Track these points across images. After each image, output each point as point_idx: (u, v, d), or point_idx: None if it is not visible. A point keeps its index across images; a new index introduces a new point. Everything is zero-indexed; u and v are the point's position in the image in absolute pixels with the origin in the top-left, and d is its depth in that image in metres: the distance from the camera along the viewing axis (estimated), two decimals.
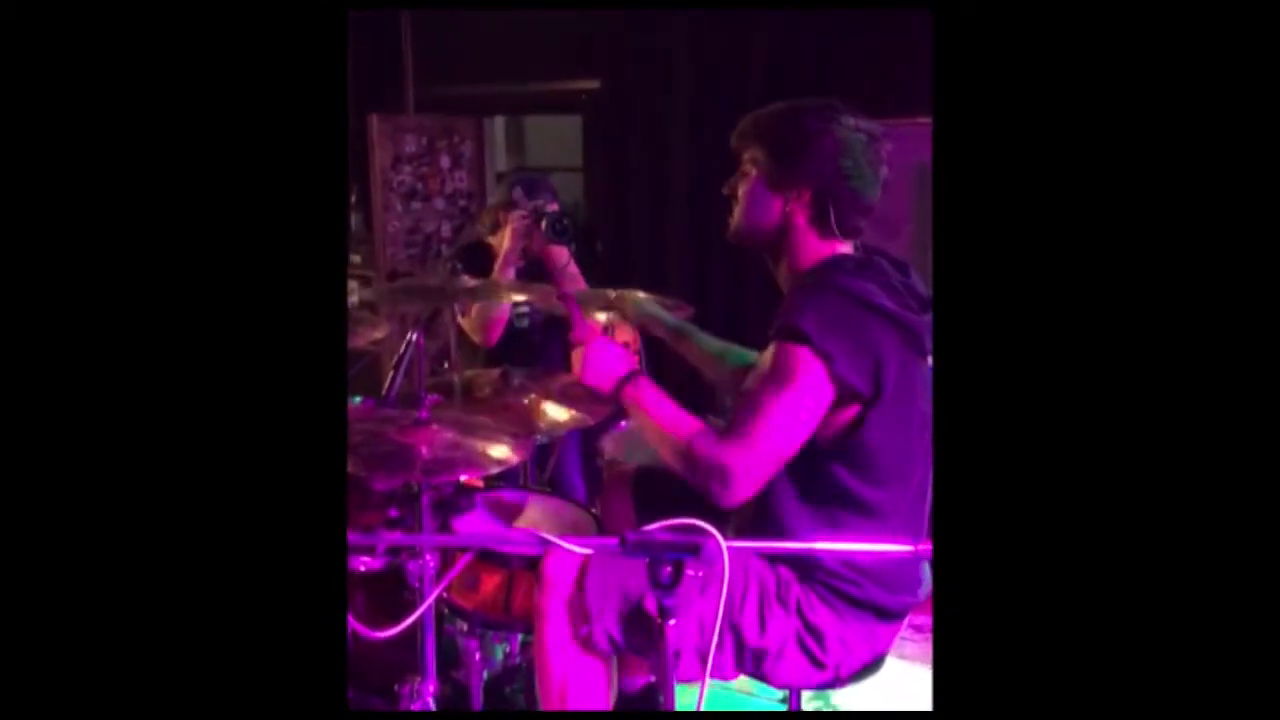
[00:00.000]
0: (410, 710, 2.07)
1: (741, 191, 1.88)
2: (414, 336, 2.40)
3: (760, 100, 1.94)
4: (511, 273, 2.90)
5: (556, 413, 2.36)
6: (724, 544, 1.34)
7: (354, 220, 4.95)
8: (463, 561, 2.05)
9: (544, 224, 2.72)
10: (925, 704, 2.67)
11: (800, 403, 1.70)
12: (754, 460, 1.70)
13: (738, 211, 1.90)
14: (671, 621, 1.36)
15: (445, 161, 4.88)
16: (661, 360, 2.74)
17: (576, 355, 1.94)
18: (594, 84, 4.48)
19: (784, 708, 2.67)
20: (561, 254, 2.86)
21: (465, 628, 2.18)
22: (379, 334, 2.37)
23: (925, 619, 1.34)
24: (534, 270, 2.99)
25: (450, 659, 2.29)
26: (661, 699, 1.40)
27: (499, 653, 2.27)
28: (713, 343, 2.25)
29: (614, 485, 2.30)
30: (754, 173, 1.86)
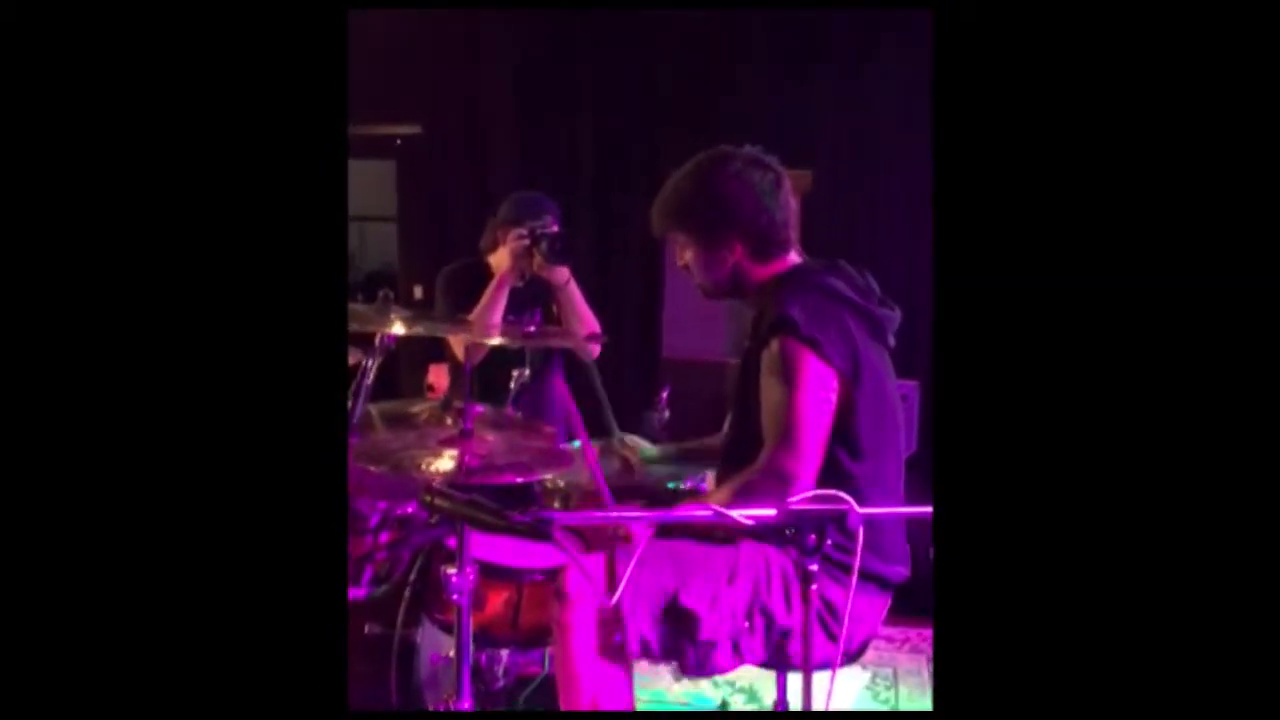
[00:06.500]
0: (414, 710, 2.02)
1: (690, 262, 2.15)
2: (368, 363, 2.37)
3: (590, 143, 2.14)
4: (505, 292, 2.88)
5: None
6: (859, 510, 1.47)
7: None
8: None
9: (543, 244, 2.77)
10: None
11: (812, 388, 1.91)
12: (802, 454, 1.88)
13: (694, 278, 2.17)
14: (814, 585, 1.48)
15: None
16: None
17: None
18: (415, 129, 4.49)
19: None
20: (562, 273, 2.88)
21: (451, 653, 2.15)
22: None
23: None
24: (531, 290, 2.98)
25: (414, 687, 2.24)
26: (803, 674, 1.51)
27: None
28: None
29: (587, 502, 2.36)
30: (689, 250, 2.13)
